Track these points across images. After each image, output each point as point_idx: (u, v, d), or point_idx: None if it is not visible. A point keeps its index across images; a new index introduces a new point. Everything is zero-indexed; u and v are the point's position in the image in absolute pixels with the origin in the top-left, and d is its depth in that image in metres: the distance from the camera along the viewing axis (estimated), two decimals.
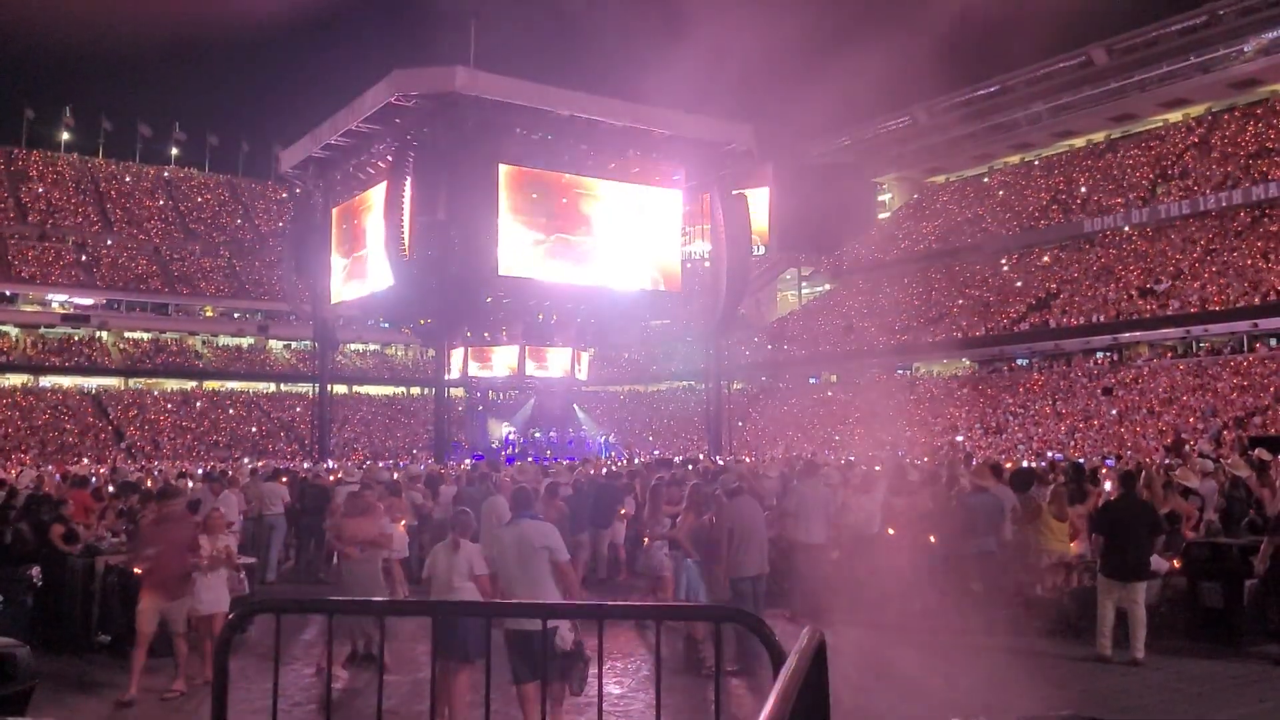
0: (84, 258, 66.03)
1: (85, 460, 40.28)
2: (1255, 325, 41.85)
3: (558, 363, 41.88)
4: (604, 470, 20.79)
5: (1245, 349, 42.27)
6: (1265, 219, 47.11)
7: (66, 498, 13.76)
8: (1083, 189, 60.06)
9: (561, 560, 7.38)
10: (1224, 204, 49.81)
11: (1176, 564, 10.95)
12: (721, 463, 24.20)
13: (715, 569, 10.06)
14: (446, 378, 40.28)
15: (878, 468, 18.09)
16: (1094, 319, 47.06)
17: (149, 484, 19.12)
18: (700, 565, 10.03)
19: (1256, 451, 20.64)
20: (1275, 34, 54.79)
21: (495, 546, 7.49)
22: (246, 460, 37.91)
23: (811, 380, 61.52)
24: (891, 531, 12.87)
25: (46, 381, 59.19)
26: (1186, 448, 30.56)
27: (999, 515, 11.49)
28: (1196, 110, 59.82)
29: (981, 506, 11.34)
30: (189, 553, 9.19)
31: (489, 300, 37.26)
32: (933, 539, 11.66)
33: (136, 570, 9.56)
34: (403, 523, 13.63)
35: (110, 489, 16.48)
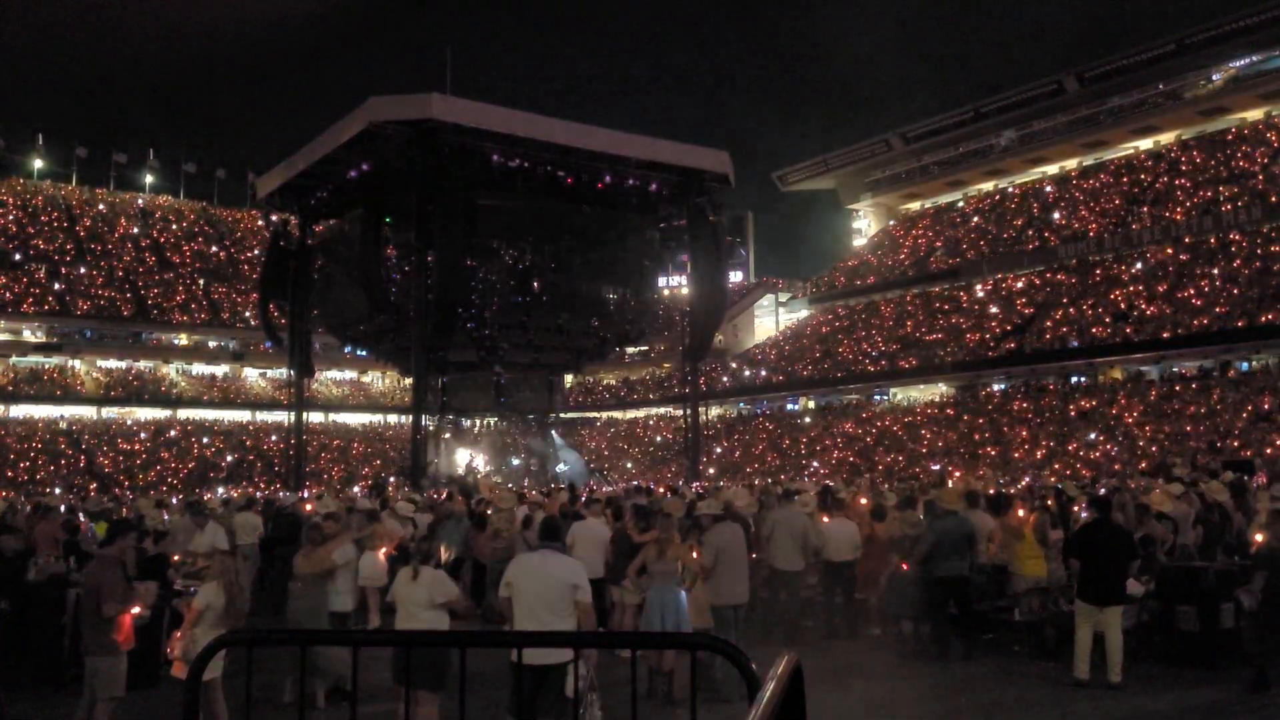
0: (57, 286, 65.48)
1: (56, 491, 39.82)
2: (1228, 349, 42.33)
3: (535, 389, 41.87)
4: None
5: (1218, 373, 42.68)
6: (1235, 245, 47.66)
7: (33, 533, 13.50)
8: (1056, 215, 60.66)
9: (585, 601, 7.15)
10: (1195, 230, 50.41)
11: (1153, 587, 10.98)
12: (698, 491, 24.21)
13: (699, 596, 10.03)
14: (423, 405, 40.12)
15: (856, 495, 18.13)
16: (1069, 344, 47.43)
17: (124, 513, 18.90)
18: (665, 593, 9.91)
19: (1225, 474, 20.85)
20: (1242, 62, 55.75)
21: (516, 571, 7.25)
22: (222, 490, 37.71)
23: (790, 406, 61.67)
24: (861, 554, 12.91)
25: (18, 411, 58.56)
26: (1161, 474, 30.74)
27: (968, 539, 11.49)
28: (1167, 137, 60.65)
29: (949, 530, 11.33)
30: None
31: (466, 326, 37.19)
32: (905, 565, 11.67)
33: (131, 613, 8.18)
34: (382, 551, 13.52)
35: (82, 518, 16.26)
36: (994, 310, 55.41)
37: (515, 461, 43.60)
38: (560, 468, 42.50)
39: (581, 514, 13.91)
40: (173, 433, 59.57)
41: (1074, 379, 48.20)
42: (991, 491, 15.69)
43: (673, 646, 8.51)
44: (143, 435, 58.25)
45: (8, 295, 62.52)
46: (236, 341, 68.93)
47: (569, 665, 6.66)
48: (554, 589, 7.05)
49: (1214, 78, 57.25)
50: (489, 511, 15.76)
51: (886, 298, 65.59)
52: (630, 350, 62.22)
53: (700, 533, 10.64)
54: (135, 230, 74.99)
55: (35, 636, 10.70)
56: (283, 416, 61.05)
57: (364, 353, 52.70)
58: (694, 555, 10.21)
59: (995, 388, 51.25)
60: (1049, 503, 14.85)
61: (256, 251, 71.41)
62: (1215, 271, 46.28)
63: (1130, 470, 33.27)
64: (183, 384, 66.59)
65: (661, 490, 23.33)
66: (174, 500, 26.27)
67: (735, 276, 70.72)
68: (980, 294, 58.65)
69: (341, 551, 10.24)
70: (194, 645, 7.94)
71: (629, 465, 56.85)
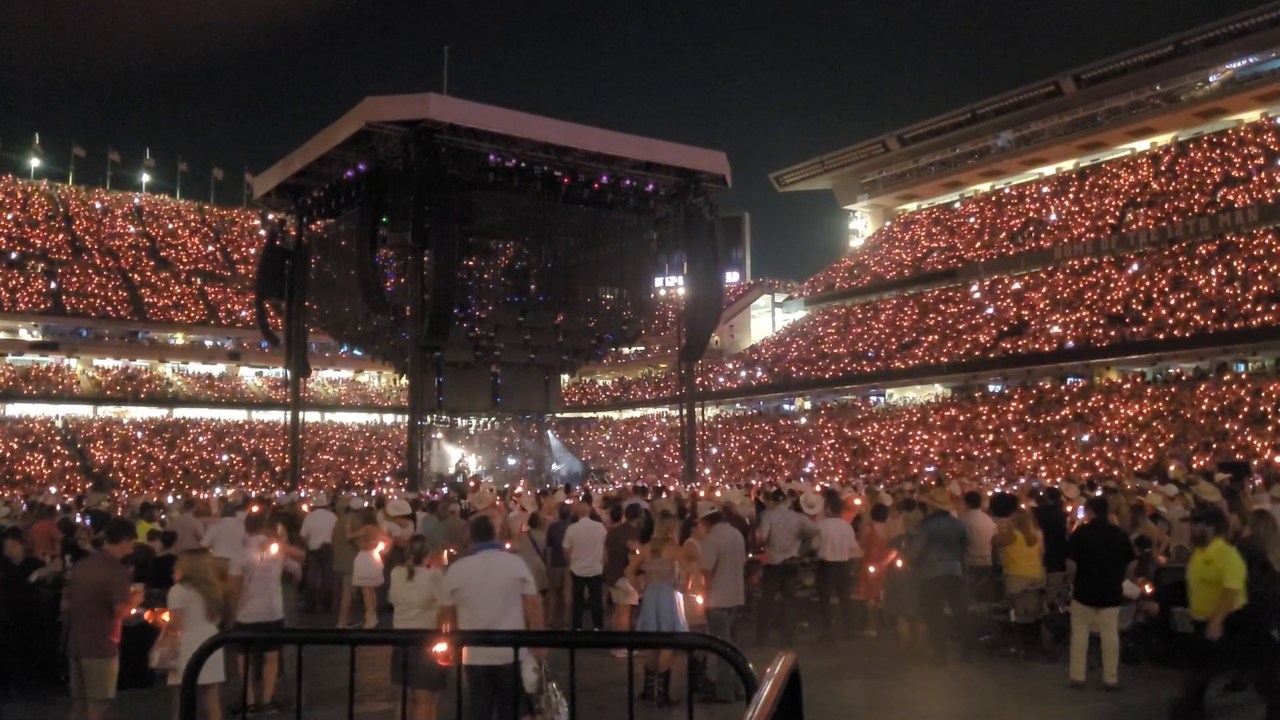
0: (53, 284, 65.39)
1: (52, 490, 39.77)
2: (1224, 350, 42.40)
3: (531, 389, 41.80)
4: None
5: (1213, 375, 42.74)
6: (1232, 247, 47.72)
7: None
8: (1053, 216, 60.72)
9: (532, 594, 7.19)
10: (1192, 232, 50.48)
11: (1149, 589, 10.97)
12: (695, 491, 24.18)
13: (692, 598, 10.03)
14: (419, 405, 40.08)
15: (855, 498, 18.12)
16: (1064, 346, 47.47)
17: (119, 513, 18.88)
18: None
19: (1219, 476, 20.83)
20: (1238, 64, 55.83)
21: (461, 577, 7.17)
22: (218, 490, 37.64)
23: (786, 406, 61.69)
24: (863, 555, 12.91)
25: (14, 410, 58.41)
26: (1156, 475, 30.75)
27: (960, 539, 11.48)
28: (1163, 139, 60.71)
29: (941, 530, 11.34)
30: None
31: (462, 325, 37.18)
32: (900, 564, 11.68)
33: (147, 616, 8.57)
34: (377, 551, 13.53)
35: (76, 517, 16.22)
36: (990, 311, 55.46)
37: (511, 461, 43.54)
38: (555, 467, 42.47)
39: (573, 516, 13.91)
40: (169, 432, 59.48)
41: (1070, 380, 48.24)
42: (991, 492, 15.70)
43: (670, 646, 8.52)
44: (139, 434, 58.15)
45: (4, 294, 62.39)
46: (233, 341, 68.84)
47: (521, 662, 6.65)
48: (500, 587, 7.02)
49: (1211, 79, 57.33)
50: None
51: (883, 298, 65.66)
52: (626, 350, 62.16)
53: (698, 533, 10.63)
54: (132, 229, 74.88)
55: (32, 636, 10.67)
56: (279, 416, 61.06)
57: (360, 352, 52.61)
58: (687, 557, 10.21)
59: (991, 389, 51.30)
60: (1025, 504, 14.72)
61: (253, 251, 71.33)
62: (1211, 273, 46.33)
63: (1125, 471, 33.31)
64: (179, 383, 66.47)
65: (663, 489, 23.30)
66: (169, 500, 26.27)
67: (732, 277, 70.68)
68: (976, 295, 58.71)
69: (234, 562, 9.29)
70: (174, 649, 7.68)
71: (624, 465, 56.85)
